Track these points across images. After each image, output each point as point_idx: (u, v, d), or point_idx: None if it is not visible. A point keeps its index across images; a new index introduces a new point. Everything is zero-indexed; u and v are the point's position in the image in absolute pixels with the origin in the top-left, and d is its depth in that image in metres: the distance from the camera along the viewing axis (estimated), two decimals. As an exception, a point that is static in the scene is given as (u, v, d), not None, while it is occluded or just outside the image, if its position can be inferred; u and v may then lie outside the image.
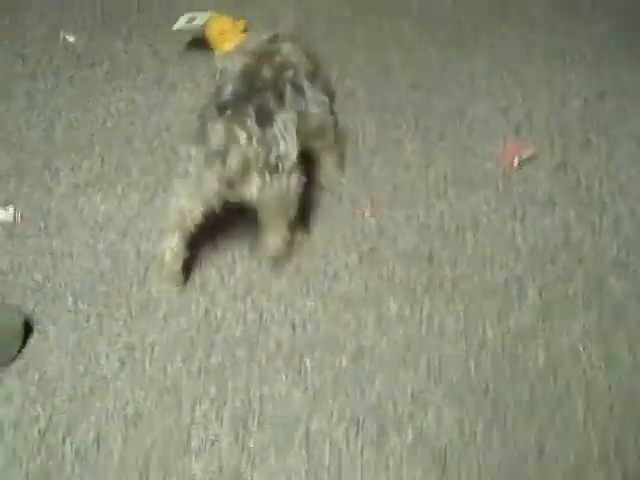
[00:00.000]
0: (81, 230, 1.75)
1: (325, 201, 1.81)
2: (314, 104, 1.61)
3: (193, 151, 1.45)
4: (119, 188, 1.85)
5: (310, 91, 1.59)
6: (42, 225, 1.76)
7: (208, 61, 2.08)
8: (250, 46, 1.62)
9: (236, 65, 1.52)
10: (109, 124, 2.00)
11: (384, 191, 1.85)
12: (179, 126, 1.97)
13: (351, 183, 1.86)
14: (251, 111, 1.42)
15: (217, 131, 1.40)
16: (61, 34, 2.24)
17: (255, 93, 1.46)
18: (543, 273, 1.68)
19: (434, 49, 2.24)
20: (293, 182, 1.50)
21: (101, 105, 2.05)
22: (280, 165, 1.46)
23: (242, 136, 1.41)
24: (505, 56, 2.22)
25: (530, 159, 1.92)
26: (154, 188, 1.83)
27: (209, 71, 2.02)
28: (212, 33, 2.11)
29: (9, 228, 1.75)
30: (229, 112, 1.42)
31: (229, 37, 2.07)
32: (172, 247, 1.55)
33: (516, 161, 1.93)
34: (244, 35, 2.07)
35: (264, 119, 1.43)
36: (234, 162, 1.41)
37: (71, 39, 2.23)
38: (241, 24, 2.12)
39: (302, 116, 1.54)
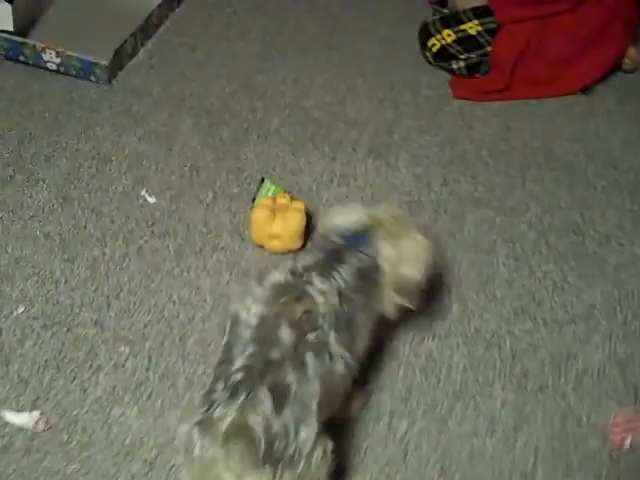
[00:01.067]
0: (105, 454, 1.53)
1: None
2: (339, 362, 1.34)
3: (195, 437, 1.22)
4: (159, 402, 1.62)
5: (336, 345, 1.32)
6: (64, 439, 1.55)
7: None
8: (272, 279, 1.35)
9: (251, 315, 1.30)
10: (166, 313, 1.79)
11: (458, 460, 1.56)
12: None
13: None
14: (266, 395, 1.20)
15: (227, 420, 1.19)
16: (142, 192, 2.06)
17: (270, 367, 1.23)
18: None
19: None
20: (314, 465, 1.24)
21: (164, 287, 1.84)
22: (297, 454, 1.22)
23: (257, 428, 1.19)
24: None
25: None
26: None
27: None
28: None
29: (28, 438, 1.55)
30: (242, 399, 1.20)
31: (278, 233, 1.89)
32: None
33: (628, 442, 1.59)
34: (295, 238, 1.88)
35: (280, 402, 1.21)
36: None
37: (151, 200, 2.05)
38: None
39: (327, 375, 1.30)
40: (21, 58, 2.47)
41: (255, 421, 1.18)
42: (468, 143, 2.32)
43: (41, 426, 1.56)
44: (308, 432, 1.23)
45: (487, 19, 2.50)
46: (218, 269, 1.90)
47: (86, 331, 1.74)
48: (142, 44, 2.63)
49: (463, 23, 2.52)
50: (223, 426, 1.19)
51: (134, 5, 2.68)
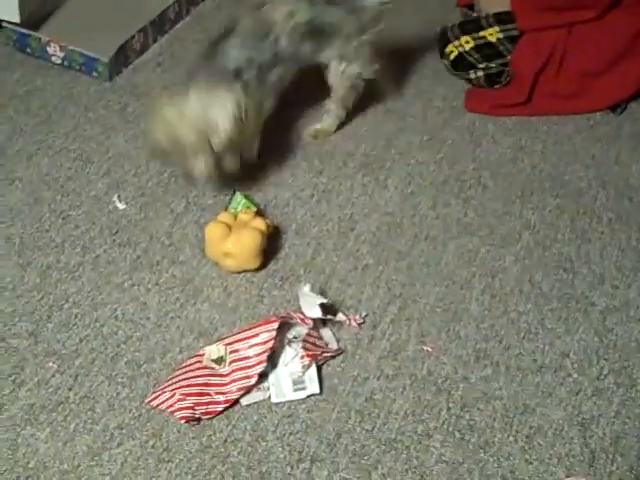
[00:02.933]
0: (5, 476, 1.49)
1: None
2: None
3: None
4: (72, 426, 1.56)
5: None
6: None
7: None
8: None
9: None
10: (105, 330, 1.73)
11: None
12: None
13: None
14: None
15: None
16: (114, 198, 2.01)
17: None
18: None
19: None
20: None
21: (110, 301, 1.78)
22: None
23: None
24: None
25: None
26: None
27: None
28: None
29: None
30: None
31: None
32: None
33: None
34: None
35: None
36: None
37: (121, 206, 1.99)
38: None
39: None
40: (28, 50, 2.46)
41: None
42: (470, 162, 2.16)
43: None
44: None
45: (509, 25, 2.32)
46: (170, 285, 1.83)
47: (19, 342, 1.70)
48: (154, 40, 2.57)
49: (483, 29, 2.34)
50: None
51: (152, 0, 2.62)
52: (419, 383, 1.65)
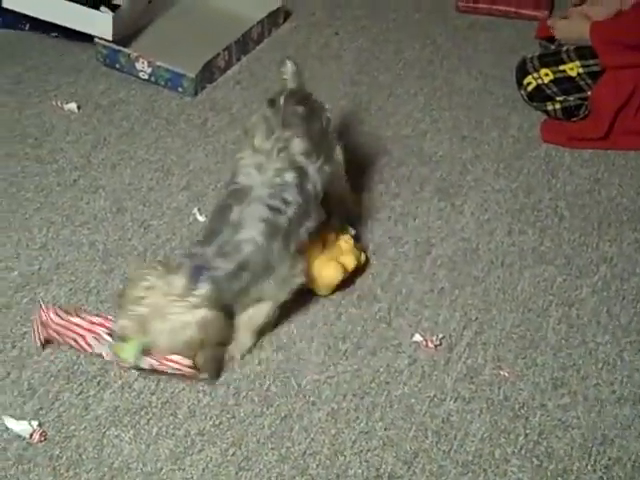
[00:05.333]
0: (91, 475, 1.52)
1: None
2: None
3: None
4: (155, 429, 1.59)
5: None
6: (56, 453, 1.55)
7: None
8: None
9: None
10: (187, 339, 1.75)
11: None
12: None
13: None
14: None
15: None
16: (194, 210, 2.05)
17: None
18: None
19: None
20: None
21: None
22: None
23: None
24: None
25: None
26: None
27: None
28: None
29: (22, 447, 1.56)
30: None
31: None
32: None
33: None
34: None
35: None
36: None
37: (201, 219, 2.06)
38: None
39: None
40: (117, 66, 2.53)
41: None
42: (546, 192, 2.17)
43: (37, 437, 1.56)
44: None
45: (590, 61, 2.32)
46: (249, 298, 1.84)
47: (104, 346, 1.73)
48: (238, 59, 2.63)
49: (563, 63, 2.36)
50: None
51: (238, 20, 2.68)
52: (496, 407, 1.65)
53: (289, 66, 1.86)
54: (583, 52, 2.35)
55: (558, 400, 1.67)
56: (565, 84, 2.34)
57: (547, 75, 2.36)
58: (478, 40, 2.76)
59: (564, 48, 2.40)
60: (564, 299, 1.88)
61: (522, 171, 2.23)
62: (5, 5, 2.54)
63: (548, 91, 2.36)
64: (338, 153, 1.87)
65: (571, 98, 2.34)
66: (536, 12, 2.84)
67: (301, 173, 1.66)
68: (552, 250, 2.00)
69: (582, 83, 2.32)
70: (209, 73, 2.50)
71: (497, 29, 2.80)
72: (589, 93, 2.32)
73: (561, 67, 2.35)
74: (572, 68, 2.34)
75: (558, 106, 2.36)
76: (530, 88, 2.39)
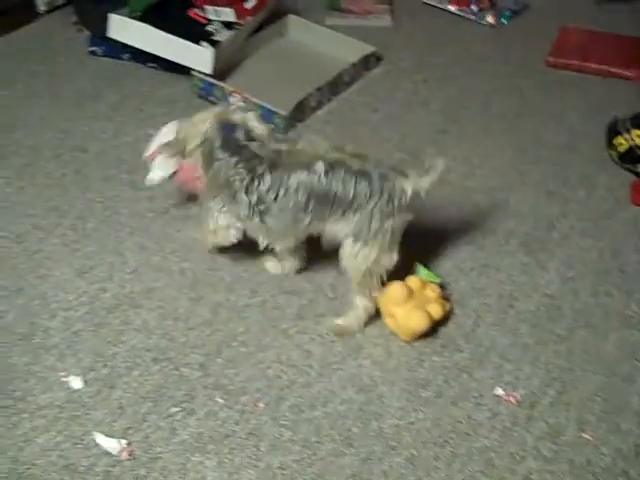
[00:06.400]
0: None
1: None
2: None
3: None
4: (238, 459, 1.62)
5: None
6: (142, 473, 1.59)
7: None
8: None
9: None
10: (271, 372, 1.79)
11: None
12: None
13: None
14: None
15: None
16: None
17: None
18: None
19: None
20: None
21: (276, 345, 1.86)
22: None
23: None
24: None
25: None
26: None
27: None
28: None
29: (109, 464, 1.61)
30: None
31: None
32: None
33: None
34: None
35: None
36: None
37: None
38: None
39: None
40: (211, 98, 2.61)
41: None
42: (634, 255, 2.16)
43: (125, 455, 1.61)
44: None
45: None
46: (333, 337, 1.87)
47: (191, 372, 1.78)
48: (329, 99, 2.68)
49: None
50: None
51: (331, 62, 2.75)
52: (578, 470, 1.65)
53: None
54: None
55: (641, 468, 1.65)
56: None
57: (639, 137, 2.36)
58: (567, 96, 2.77)
59: None
60: (650, 365, 1.86)
61: (609, 231, 2.23)
62: (110, 36, 2.64)
63: None
64: None
65: None
66: (628, 71, 2.84)
67: None
68: (638, 315, 1.98)
69: None
70: (300, 112, 2.55)
71: (587, 86, 2.81)
72: None
73: None
74: None
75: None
76: (621, 149, 2.39)
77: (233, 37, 2.70)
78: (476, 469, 1.63)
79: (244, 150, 1.75)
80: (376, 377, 1.80)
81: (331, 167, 1.70)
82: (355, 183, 1.71)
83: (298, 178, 1.70)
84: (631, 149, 2.37)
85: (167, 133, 2.07)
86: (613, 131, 2.44)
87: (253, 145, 1.76)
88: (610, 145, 2.45)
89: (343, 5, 3.22)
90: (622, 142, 2.40)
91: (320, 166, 1.69)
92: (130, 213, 2.19)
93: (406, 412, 1.73)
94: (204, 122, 1.80)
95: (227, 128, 1.78)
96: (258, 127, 1.81)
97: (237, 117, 1.82)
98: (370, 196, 1.71)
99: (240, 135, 1.77)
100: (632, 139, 2.37)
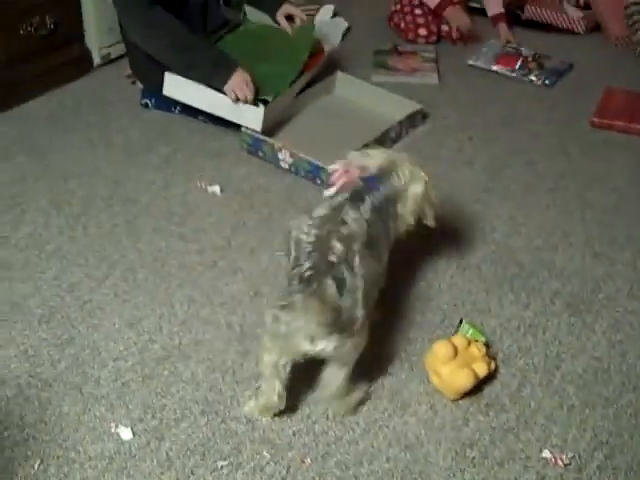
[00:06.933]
0: None
1: None
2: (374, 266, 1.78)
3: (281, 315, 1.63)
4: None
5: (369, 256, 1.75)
6: None
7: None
8: (318, 213, 1.80)
9: (310, 235, 1.73)
10: (317, 427, 1.80)
11: None
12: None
13: None
14: (331, 284, 1.63)
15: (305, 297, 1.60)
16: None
17: (330, 267, 1.66)
18: None
19: None
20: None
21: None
22: (354, 327, 1.66)
23: (329, 300, 1.62)
24: None
25: None
26: None
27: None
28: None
29: None
30: (314, 286, 1.61)
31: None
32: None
33: None
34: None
35: (340, 290, 1.64)
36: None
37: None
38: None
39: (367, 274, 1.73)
40: (260, 154, 2.66)
41: (326, 297, 1.60)
42: (681, 318, 2.14)
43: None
44: (360, 312, 1.66)
45: None
46: (378, 395, 1.89)
47: (238, 426, 1.79)
48: (376, 157, 2.72)
49: None
50: (302, 301, 1.59)
51: (378, 119, 2.80)
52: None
53: None
54: None
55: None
56: None
57: None
58: (613, 157, 2.79)
59: None
60: (699, 432, 1.84)
61: (656, 294, 2.22)
62: (165, 94, 2.71)
63: None
64: None
65: None
66: (673, 134, 2.85)
67: None
68: (686, 379, 1.97)
69: None
70: (347, 168, 2.59)
71: (633, 147, 2.82)
72: None
73: None
74: None
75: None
76: None
77: (283, 97, 2.76)
78: (523, 533, 1.61)
79: None
80: (421, 436, 1.80)
81: None
82: None
83: None
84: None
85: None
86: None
87: None
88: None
89: (390, 63, 3.28)
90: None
91: None
92: (179, 265, 2.23)
93: (452, 472, 1.73)
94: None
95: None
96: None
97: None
98: None
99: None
100: None
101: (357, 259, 1.70)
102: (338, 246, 1.69)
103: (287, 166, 2.61)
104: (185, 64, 2.60)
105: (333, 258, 1.68)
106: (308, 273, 1.65)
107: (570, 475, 1.74)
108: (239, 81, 2.58)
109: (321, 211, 1.81)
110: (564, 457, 1.76)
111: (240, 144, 2.71)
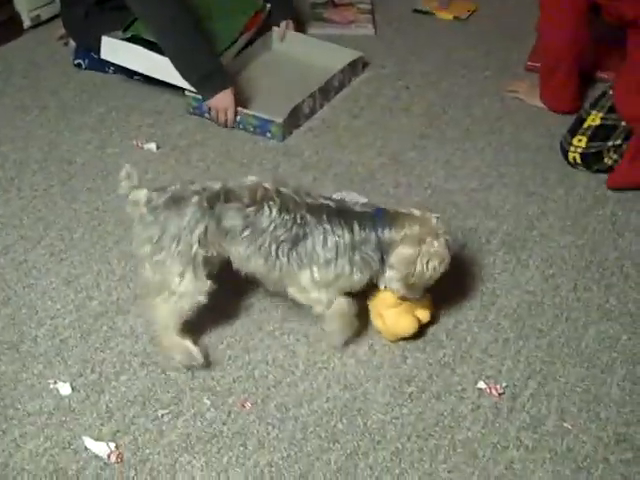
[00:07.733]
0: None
1: None
2: None
3: None
4: (226, 459, 1.65)
5: None
6: (131, 475, 1.62)
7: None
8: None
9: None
10: (257, 373, 1.83)
11: None
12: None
13: None
14: None
15: None
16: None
17: None
18: None
19: None
20: None
21: (262, 347, 1.90)
22: None
23: None
24: None
25: None
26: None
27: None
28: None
29: (99, 467, 1.63)
30: None
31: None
32: None
33: None
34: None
35: None
36: None
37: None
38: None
39: None
40: (206, 115, 2.65)
41: None
42: (612, 251, 2.20)
43: (113, 458, 1.63)
44: None
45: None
46: (318, 338, 1.91)
47: (178, 376, 1.80)
48: (321, 106, 2.73)
49: (585, 121, 2.41)
50: None
51: (319, 70, 2.82)
52: (559, 458, 1.68)
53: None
54: (592, 102, 2.48)
55: (621, 455, 1.68)
56: (600, 134, 2.41)
57: (580, 140, 2.44)
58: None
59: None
60: (629, 357, 1.90)
61: (588, 229, 2.27)
62: (103, 57, 2.67)
63: (592, 150, 2.40)
64: None
65: (618, 141, 2.39)
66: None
67: None
68: (617, 308, 2.02)
69: (610, 123, 2.40)
70: (295, 119, 2.60)
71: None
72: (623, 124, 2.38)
73: (585, 125, 2.44)
74: (593, 119, 2.42)
75: (614, 155, 2.40)
76: (579, 160, 2.44)
77: (224, 56, 2.73)
78: (460, 460, 1.65)
79: None
80: (360, 375, 1.83)
81: None
82: None
83: None
84: (584, 155, 2.46)
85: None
86: (564, 153, 2.53)
87: None
88: (572, 164, 2.51)
89: (326, 15, 3.27)
90: (574, 156, 2.48)
91: None
92: (116, 222, 2.22)
93: (390, 407, 1.76)
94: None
95: None
96: None
97: None
98: None
99: None
100: (577, 146, 2.46)
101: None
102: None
103: (234, 124, 2.60)
104: (184, 59, 2.56)
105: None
106: None
107: (504, 403, 1.78)
108: (225, 103, 2.57)
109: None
110: (499, 387, 1.80)
111: (186, 107, 2.68)
